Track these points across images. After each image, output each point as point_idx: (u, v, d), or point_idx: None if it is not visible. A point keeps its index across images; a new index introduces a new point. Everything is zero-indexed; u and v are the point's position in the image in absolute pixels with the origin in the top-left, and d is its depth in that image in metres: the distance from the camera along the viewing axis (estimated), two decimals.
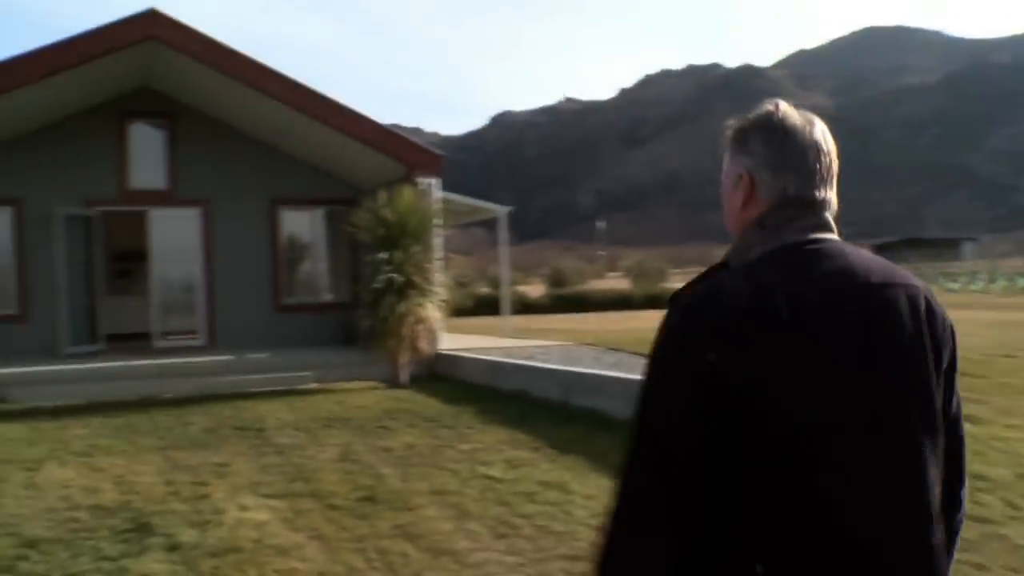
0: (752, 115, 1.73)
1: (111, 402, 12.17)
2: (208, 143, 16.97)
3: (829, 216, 1.68)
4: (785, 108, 1.71)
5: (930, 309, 1.64)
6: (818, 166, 1.67)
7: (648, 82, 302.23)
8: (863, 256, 1.64)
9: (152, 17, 13.86)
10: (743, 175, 1.70)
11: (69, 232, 15.74)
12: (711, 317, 1.53)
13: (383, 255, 13.04)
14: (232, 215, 17.04)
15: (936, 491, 1.59)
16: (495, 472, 7.48)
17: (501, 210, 18.80)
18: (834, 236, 1.66)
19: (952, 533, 1.73)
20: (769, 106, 1.72)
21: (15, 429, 10.25)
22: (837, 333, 1.54)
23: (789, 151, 1.66)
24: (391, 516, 6.26)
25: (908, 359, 1.59)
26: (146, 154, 16.77)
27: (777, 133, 1.67)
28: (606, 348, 15.19)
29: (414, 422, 10.04)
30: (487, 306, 29.08)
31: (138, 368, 13.83)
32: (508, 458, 8.03)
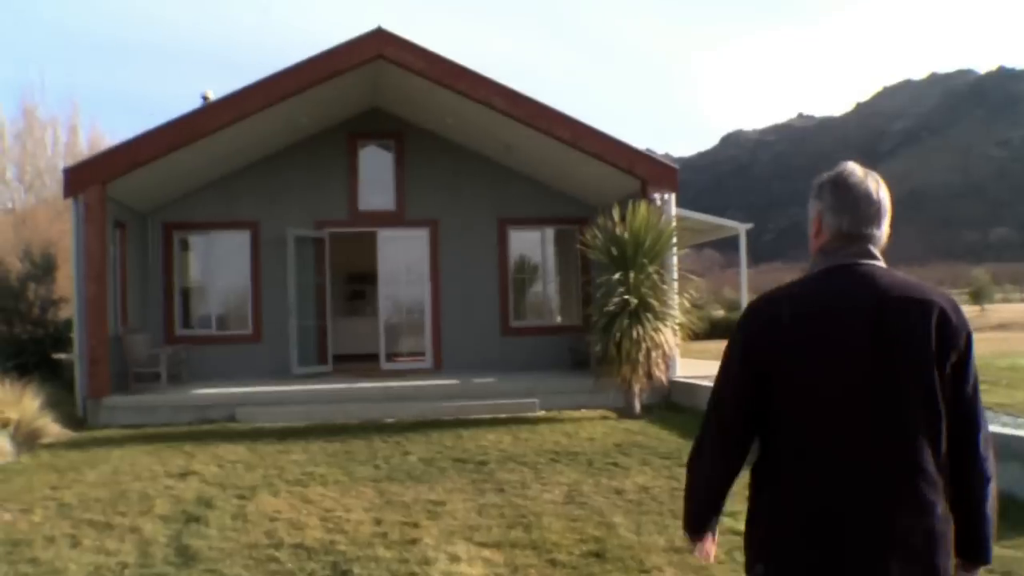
0: (828, 172, 2.48)
1: (334, 425, 11.89)
2: (435, 163, 16.71)
3: (873, 247, 2.39)
4: (851, 167, 2.46)
5: (943, 317, 2.24)
6: (868, 210, 2.38)
7: (887, 94, 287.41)
8: (892, 275, 2.33)
9: (379, 36, 13.64)
10: (816, 215, 2.46)
11: (300, 253, 15.81)
12: (752, 318, 2.38)
13: (617, 276, 12.13)
14: (459, 235, 16.68)
15: (920, 462, 2.21)
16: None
17: (740, 227, 17.55)
18: (874, 261, 2.37)
19: (976, 501, 2.31)
20: (840, 167, 2.47)
21: (238, 451, 10.03)
22: (834, 329, 2.25)
23: (845, 199, 2.39)
24: None
25: (910, 351, 2.22)
26: (374, 175, 16.71)
27: (839, 186, 2.41)
28: None
29: (648, 459, 9.03)
30: (723, 330, 27.66)
31: (363, 391, 13.54)
32: None
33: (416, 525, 6.60)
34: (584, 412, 12.76)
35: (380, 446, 10.20)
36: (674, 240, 12.88)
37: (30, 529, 6.80)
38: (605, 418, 12.24)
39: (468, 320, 16.48)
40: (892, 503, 2.19)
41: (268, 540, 6.29)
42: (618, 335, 11.92)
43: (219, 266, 16.38)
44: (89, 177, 12.89)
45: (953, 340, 2.23)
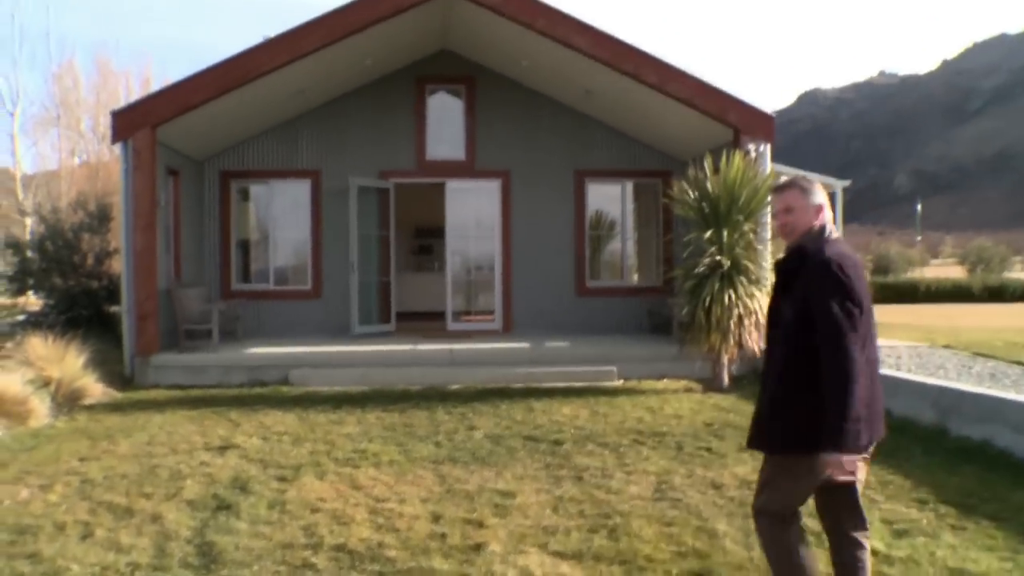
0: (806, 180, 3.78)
1: (394, 391, 10.95)
2: (507, 110, 15.57)
3: None
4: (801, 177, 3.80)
5: (810, 268, 3.55)
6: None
7: (977, 49, 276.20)
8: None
9: None
10: (821, 205, 3.72)
11: (363, 205, 14.84)
12: (840, 258, 3.53)
13: (708, 234, 10.93)
14: (533, 188, 15.56)
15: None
16: (873, 541, 5.24)
17: (837, 184, 16.13)
18: None
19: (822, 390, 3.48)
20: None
21: (286, 420, 9.13)
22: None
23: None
24: None
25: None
26: (443, 122, 15.62)
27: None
28: (970, 353, 12.28)
29: (740, 439, 7.88)
30: None
31: (426, 354, 12.59)
32: (886, 516, 5.73)
33: (481, 524, 5.58)
34: (666, 383, 11.62)
35: (443, 418, 9.22)
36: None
37: (43, 512, 5.95)
38: (689, 390, 11.10)
39: (540, 279, 15.39)
40: None
41: (306, 539, 5.33)
42: (708, 299, 10.74)
43: (278, 218, 15.50)
44: (139, 120, 12.01)
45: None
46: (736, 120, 12.69)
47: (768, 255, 11.40)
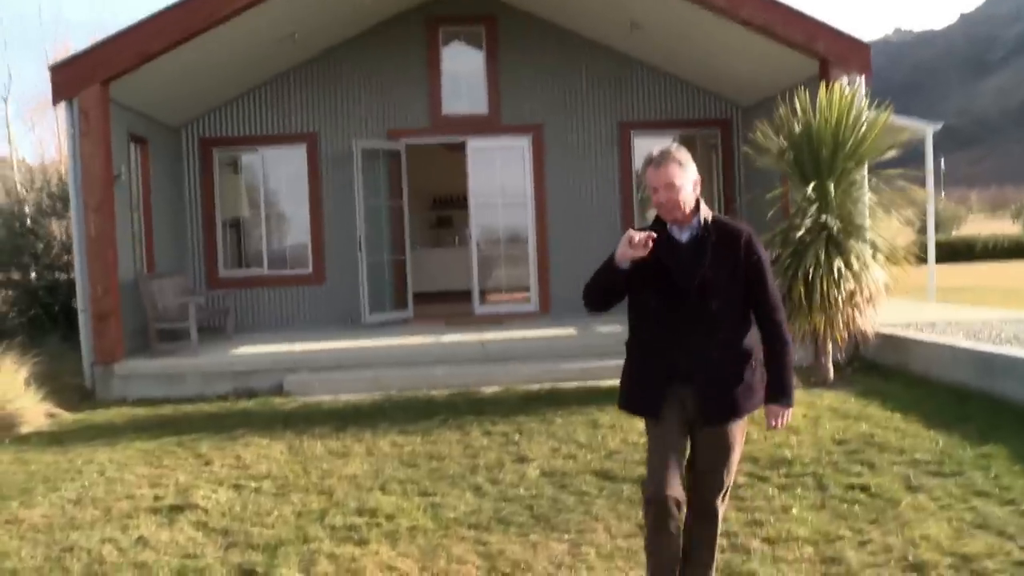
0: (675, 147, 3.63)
1: (414, 400, 8.65)
2: (537, 53, 13.18)
3: None
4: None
5: (749, 241, 3.55)
6: None
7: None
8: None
9: None
10: (699, 179, 3.62)
11: (370, 171, 12.51)
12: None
13: (808, 189, 8.51)
14: (569, 144, 13.22)
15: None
16: None
17: (928, 128, 13.66)
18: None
19: (780, 356, 3.62)
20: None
21: (272, 453, 6.85)
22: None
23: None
24: None
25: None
26: (461, 70, 13.31)
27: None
28: None
29: (921, 481, 5.47)
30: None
31: (452, 348, 10.32)
32: None
33: None
34: None
35: (481, 443, 6.91)
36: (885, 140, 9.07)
37: None
38: None
39: (581, 250, 12.95)
40: None
41: None
42: (811, 271, 8.37)
43: (270, 191, 13.22)
44: (85, 74, 9.68)
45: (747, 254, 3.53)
46: (825, 50, 10.25)
47: (880, 214, 8.97)
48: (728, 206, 13.18)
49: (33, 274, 12.86)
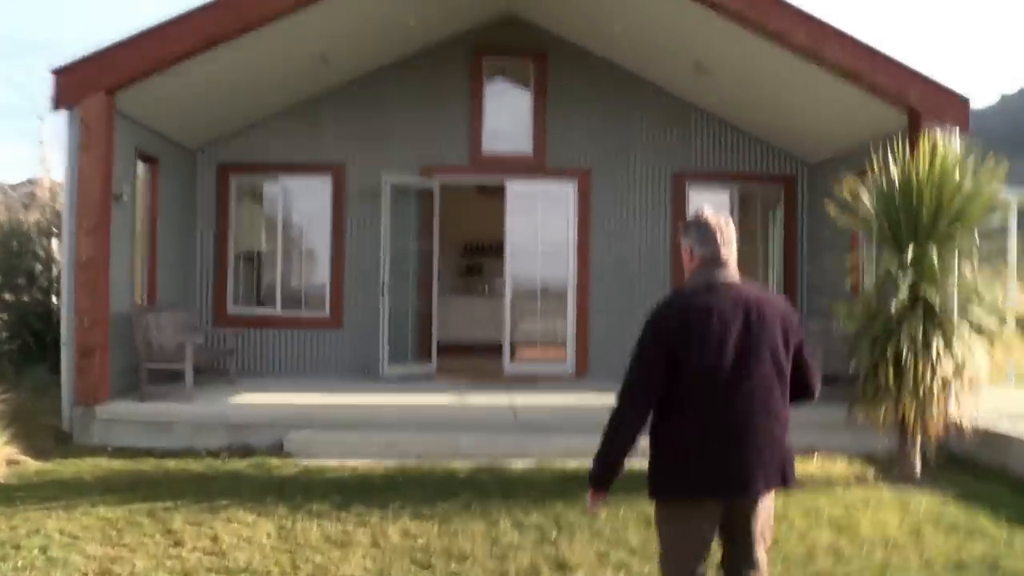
0: (689, 217, 3.45)
1: (433, 473, 7.42)
2: (589, 92, 12.11)
3: (730, 265, 3.36)
4: (705, 211, 3.43)
5: (786, 315, 3.31)
6: (721, 239, 3.33)
7: None
8: (749, 287, 3.33)
9: None
10: (689, 247, 3.42)
11: (400, 209, 11.40)
12: (665, 313, 3.25)
13: (908, 252, 7.25)
14: (618, 192, 12.10)
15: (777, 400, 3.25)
16: None
17: (1012, 197, 12.40)
18: (732, 277, 3.33)
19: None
20: (697, 211, 3.44)
21: (257, 535, 5.64)
22: (712, 323, 3.19)
23: (705, 234, 3.35)
24: None
25: (765, 335, 3.21)
26: (506, 107, 12.22)
27: (701, 225, 3.37)
28: None
29: None
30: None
31: (480, 414, 9.13)
32: None
33: None
34: (821, 463, 7.97)
35: (510, 537, 5.68)
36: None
37: None
38: (863, 480, 7.45)
39: (625, 308, 11.77)
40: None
41: None
42: (903, 350, 7.12)
43: (289, 224, 12.12)
44: (89, 81, 8.65)
45: (791, 328, 3.32)
46: (917, 100, 9.08)
47: (990, 284, 7.72)
48: (789, 270, 12.00)
49: (27, 297, 11.79)
